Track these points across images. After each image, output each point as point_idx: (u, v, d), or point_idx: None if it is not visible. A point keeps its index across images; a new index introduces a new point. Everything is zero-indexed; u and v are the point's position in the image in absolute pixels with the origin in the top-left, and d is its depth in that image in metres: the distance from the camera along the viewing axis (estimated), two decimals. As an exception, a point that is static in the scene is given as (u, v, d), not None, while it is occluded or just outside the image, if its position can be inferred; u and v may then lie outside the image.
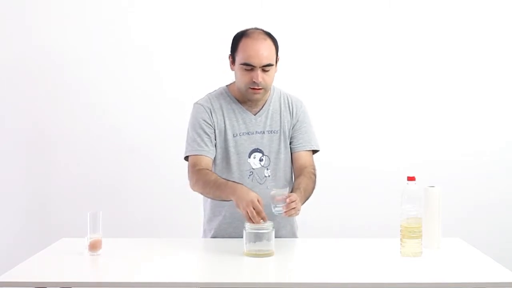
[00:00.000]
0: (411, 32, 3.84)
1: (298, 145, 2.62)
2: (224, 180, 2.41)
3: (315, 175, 2.59)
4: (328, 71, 3.82)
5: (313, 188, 2.54)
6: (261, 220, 2.23)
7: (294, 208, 2.29)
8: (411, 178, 2.23)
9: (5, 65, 3.82)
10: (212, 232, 2.61)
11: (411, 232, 2.20)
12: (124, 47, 3.82)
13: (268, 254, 2.23)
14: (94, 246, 2.27)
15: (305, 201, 2.47)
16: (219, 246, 2.44)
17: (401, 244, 2.24)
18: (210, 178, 2.42)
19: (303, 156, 2.61)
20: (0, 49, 3.82)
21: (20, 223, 3.84)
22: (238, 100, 2.58)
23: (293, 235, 2.66)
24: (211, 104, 2.57)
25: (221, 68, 3.80)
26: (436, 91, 3.85)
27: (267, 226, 2.25)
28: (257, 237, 2.22)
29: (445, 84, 3.85)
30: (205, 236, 2.67)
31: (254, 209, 2.23)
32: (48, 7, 3.80)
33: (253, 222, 2.23)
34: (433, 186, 2.35)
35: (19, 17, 3.80)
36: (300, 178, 2.53)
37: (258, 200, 2.25)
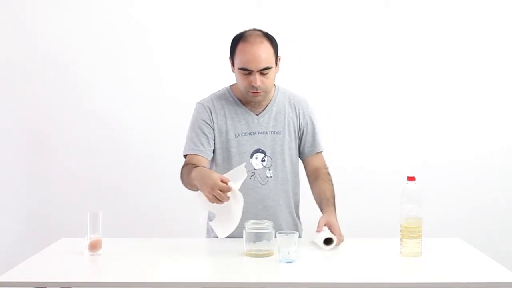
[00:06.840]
0: (410, 33, 3.83)
1: (310, 150, 2.64)
2: (191, 167, 2.37)
3: (329, 174, 2.63)
4: (327, 71, 3.82)
5: (333, 188, 2.59)
6: (229, 195, 2.20)
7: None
8: (411, 178, 2.23)
9: (5, 65, 3.82)
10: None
11: (411, 232, 2.20)
12: (124, 47, 3.81)
13: (268, 254, 2.23)
14: (94, 246, 2.28)
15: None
16: (219, 246, 2.44)
17: (401, 244, 2.24)
18: (185, 170, 2.42)
19: (315, 159, 2.65)
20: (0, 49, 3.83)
21: (20, 223, 3.84)
22: (240, 101, 2.59)
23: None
24: (213, 104, 2.58)
25: (221, 68, 3.82)
26: (436, 92, 3.85)
27: (267, 226, 2.25)
28: (257, 237, 2.23)
29: (445, 84, 3.85)
30: (208, 235, 2.67)
31: (220, 190, 2.19)
32: (48, 7, 3.80)
33: (222, 203, 2.20)
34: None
35: (18, 17, 3.79)
36: (321, 185, 2.56)
37: (221, 180, 2.20)
